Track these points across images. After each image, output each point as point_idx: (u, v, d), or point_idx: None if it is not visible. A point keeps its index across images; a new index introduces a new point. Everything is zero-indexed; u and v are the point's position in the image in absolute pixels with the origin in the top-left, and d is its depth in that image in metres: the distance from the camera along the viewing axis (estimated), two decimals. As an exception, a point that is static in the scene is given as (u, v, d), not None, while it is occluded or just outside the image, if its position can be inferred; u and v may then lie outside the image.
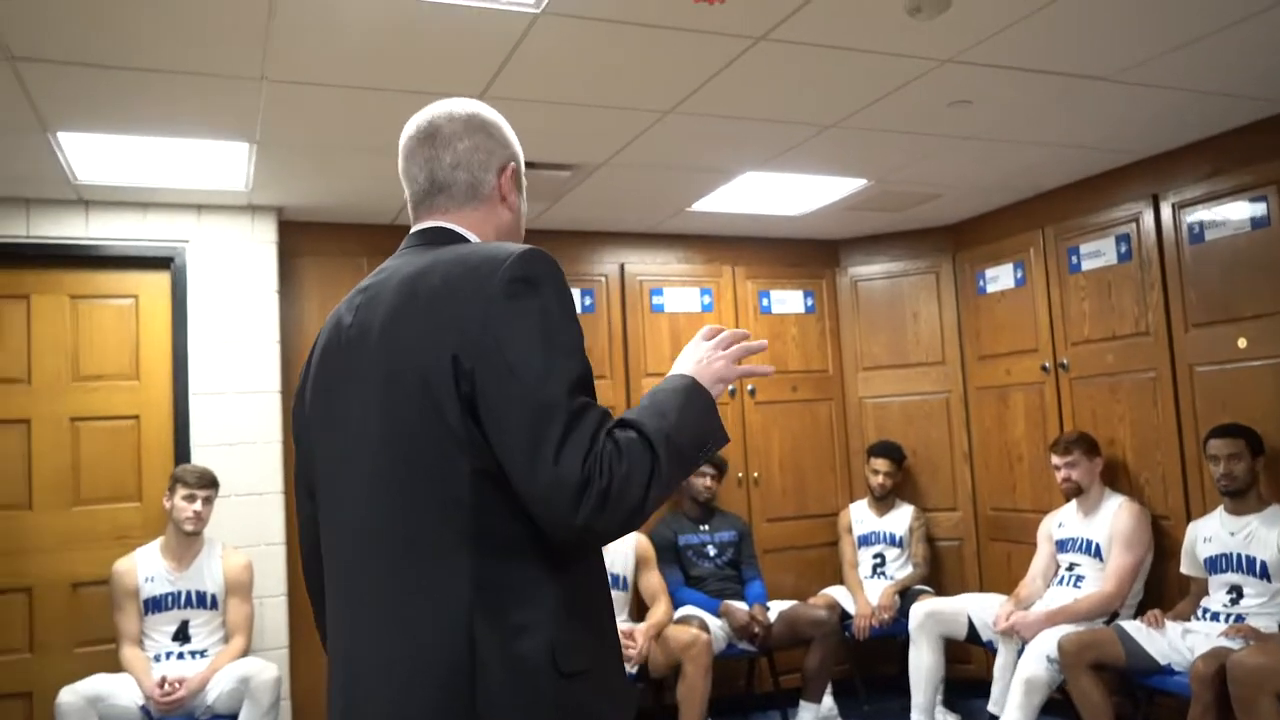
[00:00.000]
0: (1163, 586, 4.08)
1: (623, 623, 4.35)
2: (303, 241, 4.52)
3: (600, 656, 1.38)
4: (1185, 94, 3.46)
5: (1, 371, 4.02)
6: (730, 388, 5.18)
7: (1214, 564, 3.71)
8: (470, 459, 1.29)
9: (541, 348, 1.28)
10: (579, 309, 4.90)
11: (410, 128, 1.55)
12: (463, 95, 3.06)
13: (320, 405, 1.49)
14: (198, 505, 3.75)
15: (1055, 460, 4.25)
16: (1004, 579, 4.83)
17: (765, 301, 5.40)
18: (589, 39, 2.77)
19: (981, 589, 4.97)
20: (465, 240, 1.49)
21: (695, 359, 1.48)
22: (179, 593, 3.79)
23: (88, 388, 4.12)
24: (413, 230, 1.53)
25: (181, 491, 3.76)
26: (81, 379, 4.11)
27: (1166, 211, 4.14)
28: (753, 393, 5.26)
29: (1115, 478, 4.32)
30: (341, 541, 1.45)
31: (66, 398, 4.09)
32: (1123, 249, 4.35)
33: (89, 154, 3.57)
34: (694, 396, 1.40)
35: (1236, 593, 3.63)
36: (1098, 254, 4.47)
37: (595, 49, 2.85)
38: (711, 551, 4.79)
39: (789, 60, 2.98)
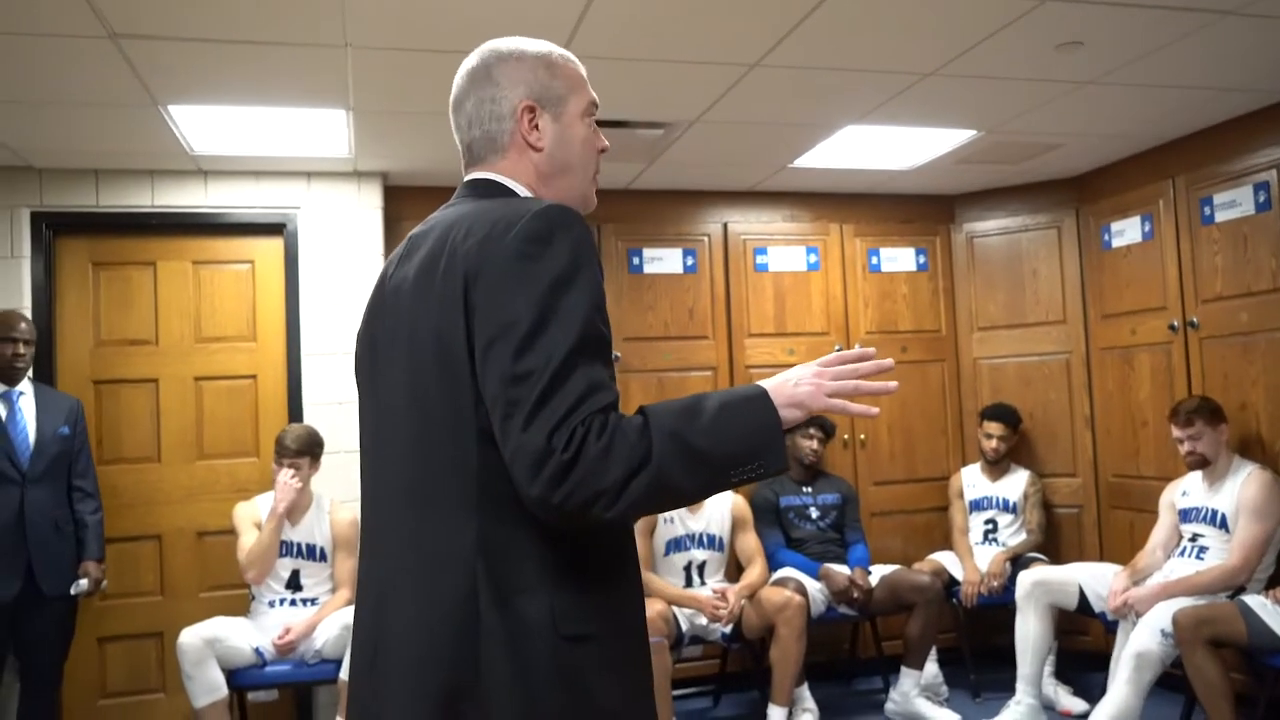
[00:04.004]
0: (1298, 561, 3.80)
1: (718, 583, 4.34)
2: (407, 206, 4.63)
3: (612, 622, 1.34)
4: (1326, 25, 3.16)
5: (132, 334, 4.29)
6: (837, 346, 5.07)
7: (1351, 538, 3.44)
8: (478, 418, 1.28)
9: (536, 312, 1.24)
10: (681, 269, 4.97)
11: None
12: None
13: (365, 357, 1.52)
14: (287, 474, 3.86)
15: (1177, 433, 3.96)
16: (1126, 549, 4.59)
17: (874, 260, 5.25)
18: (661, -7, 2.72)
19: (1101, 559, 4.74)
20: (506, 188, 1.47)
21: (787, 376, 1.35)
22: (291, 544, 3.97)
23: (209, 349, 4.35)
24: (462, 181, 1.54)
25: (275, 457, 3.91)
26: (203, 340, 4.35)
27: (1311, 156, 3.81)
28: (860, 353, 5.12)
29: (1247, 445, 4.03)
30: (372, 496, 1.48)
31: (190, 358, 4.33)
32: (1261, 198, 4.03)
33: (202, 126, 3.74)
34: (753, 409, 1.29)
35: (1376, 569, 3.35)
36: (1233, 204, 4.15)
37: (669, 1, 2.79)
38: (814, 514, 4.72)
39: (872, 7, 2.86)
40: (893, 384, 1.40)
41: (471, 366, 1.28)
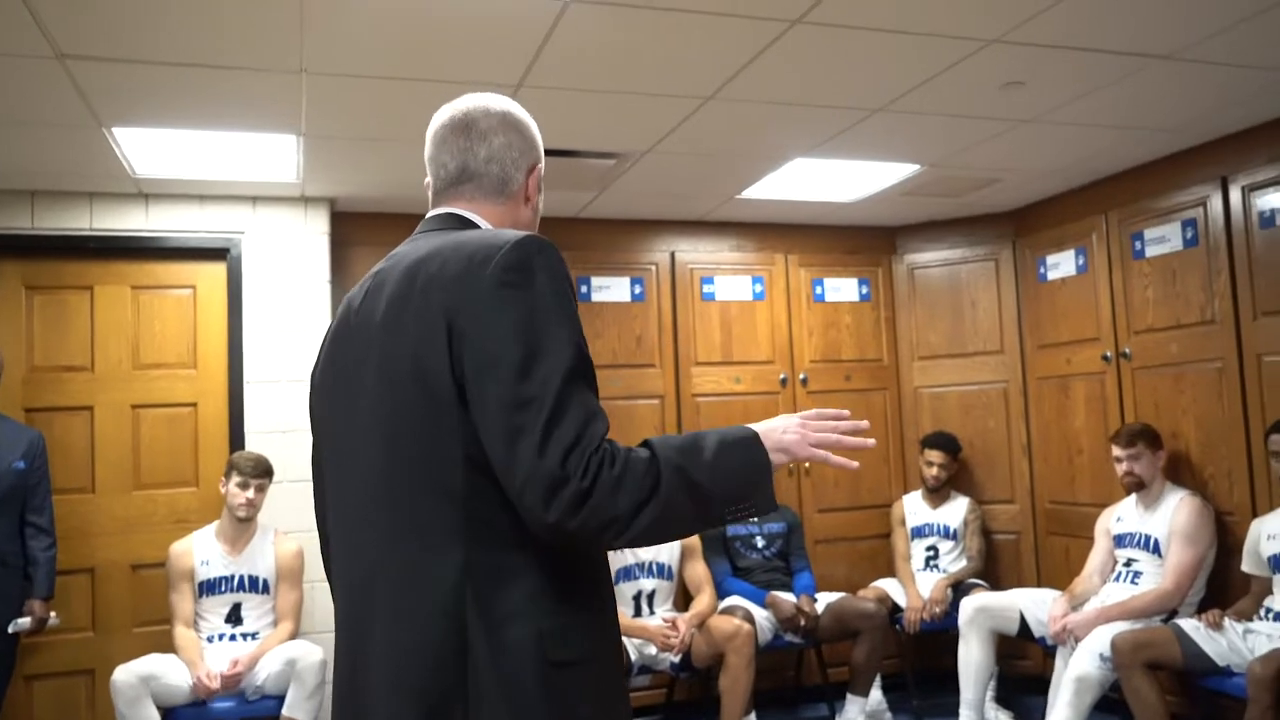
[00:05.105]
0: (1226, 585, 3.92)
1: (666, 612, 4.34)
2: (355, 231, 4.59)
3: (596, 647, 1.36)
4: (1254, 71, 3.30)
5: (66, 360, 4.16)
6: (782, 375, 5.14)
7: (1278, 562, 3.56)
8: (463, 445, 1.29)
9: (527, 338, 1.27)
10: (629, 297, 4.99)
11: (443, 116, 1.56)
12: (500, 84, 3.08)
13: (327, 389, 1.51)
14: (250, 493, 3.84)
15: (1117, 452, 4.10)
16: (1062, 574, 4.70)
17: (819, 289, 5.33)
18: (621, 25, 2.75)
19: (1039, 584, 4.86)
20: (474, 225, 1.49)
21: (773, 424, 1.42)
22: (233, 576, 3.88)
23: (148, 375, 4.24)
24: (429, 215, 1.54)
25: (236, 479, 3.85)
26: (142, 367, 4.24)
27: (1236, 195, 3.97)
28: (805, 381, 5.19)
29: (1178, 472, 4.17)
30: (340, 528, 1.46)
31: (128, 385, 4.21)
32: (1189, 234, 4.19)
33: (146, 148, 3.66)
34: (746, 450, 1.35)
35: (1303, 593, 3.48)
36: (1162, 239, 4.31)
37: (628, 35, 2.82)
38: (760, 543, 4.75)
39: (828, 43, 2.93)
40: (870, 440, 1.50)
41: (457, 394, 1.29)
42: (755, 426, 1.40)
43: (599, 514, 1.22)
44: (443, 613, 1.29)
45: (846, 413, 1.50)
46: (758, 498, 1.33)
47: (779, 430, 1.40)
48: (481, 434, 1.27)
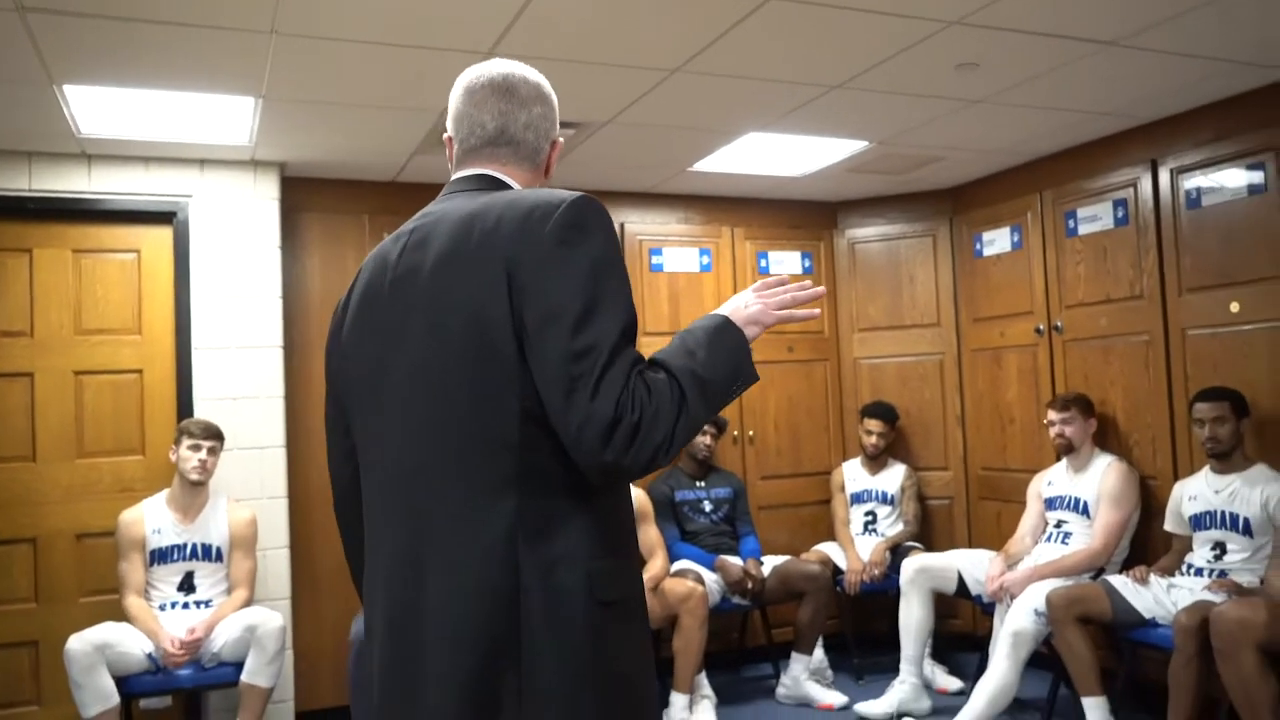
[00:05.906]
0: (1149, 545, 4.17)
1: (622, 576, 4.41)
2: (306, 197, 4.52)
3: (632, 589, 1.46)
4: (1190, 60, 3.48)
5: (4, 325, 4.03)
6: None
7: (1199, 521, 3.80)
8: (519, 397, 1.36)
9: (587, 294, 1.33)
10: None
11: (480, 75, 1.59)
12: (471, 50, 3.09)
13: (361, 345, 1.53)
14: (202, 454, 3.80)
15: (1051, 416, 4.31)
16: (993, 537, 4.93)
17: (764, 262, 5.43)
18: (600, -3, 2.78)
19: (971, 546, 5.07)
20: (511, 187, 1.54)
21: (736, 302, 1.55)
22: (185, 545, 3.84)
23: (90, 341, 4.13)
24: (460, 175, 1.58)
25: (187, 442, 3.80)
26: (84, 332, 4.12)
27: (1165, 177, 4.18)
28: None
29: (1105, 438, 4.40)
30: (381, 482, 1.50)
31: (69, 351, 4.10)
32: (1120, 213, 4.40)
33: (93, 107, 3.55)
34: (724, 334, 1.46)
35: (1220, 549, 3.73)
36: (1095, 218, 4.52)
37: (605, 5, 2.85)
38: (707, 507, 4.87)
39: (799, 19, 2.99)
40: (821, 288, 1.64)
41: (517, 346, 1.35)
42: (721, 310, 1.53)
43: (649, 443, 1.31)
44: (497, 558, 1.35)
45: (786, 275, 1.64)
46: (746, 371, 1.47)
47: (742, 307, 1.54)
48: (539, 384, 1.34)
